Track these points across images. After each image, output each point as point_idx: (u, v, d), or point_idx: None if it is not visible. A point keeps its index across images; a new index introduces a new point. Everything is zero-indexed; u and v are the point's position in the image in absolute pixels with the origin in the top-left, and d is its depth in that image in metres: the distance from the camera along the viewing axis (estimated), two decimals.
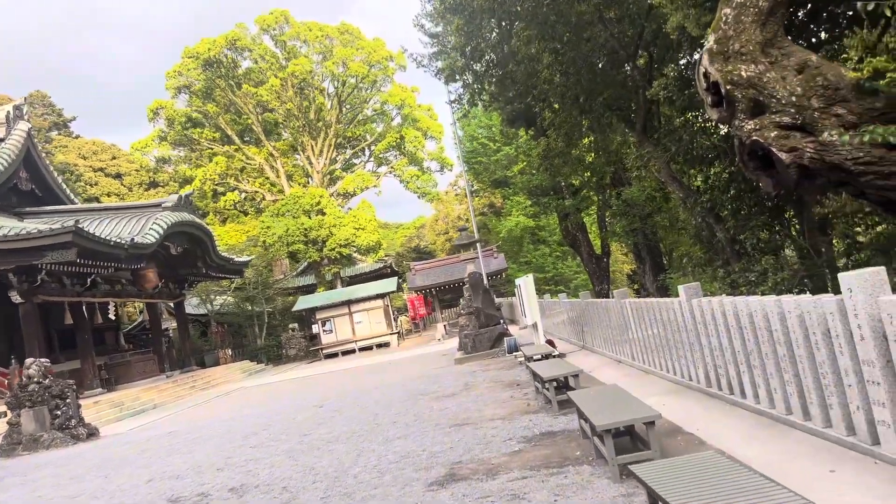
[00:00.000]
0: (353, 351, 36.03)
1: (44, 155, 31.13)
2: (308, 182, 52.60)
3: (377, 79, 51.49)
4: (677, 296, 8.41)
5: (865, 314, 4.65)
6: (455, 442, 8.36)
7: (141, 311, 40.69)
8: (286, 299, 43.31)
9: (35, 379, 16.78)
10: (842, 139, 5.11)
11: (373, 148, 56.04)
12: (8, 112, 27.84)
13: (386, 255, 51.75)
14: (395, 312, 44.03)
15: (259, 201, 53.89)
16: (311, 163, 52.33)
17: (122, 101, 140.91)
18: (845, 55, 6.94)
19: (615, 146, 18.20)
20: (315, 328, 37.38)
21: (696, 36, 8.51)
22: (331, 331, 36.60)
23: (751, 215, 11.16)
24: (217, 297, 40.85)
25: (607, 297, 19.56)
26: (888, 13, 4.66)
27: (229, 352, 38.97)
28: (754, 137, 5.81)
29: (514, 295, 27.49)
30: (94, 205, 36.52)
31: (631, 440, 6.32)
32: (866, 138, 4.88)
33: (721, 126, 11.47)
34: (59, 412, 16.95)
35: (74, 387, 17.87)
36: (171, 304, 35.60)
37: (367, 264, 48.89)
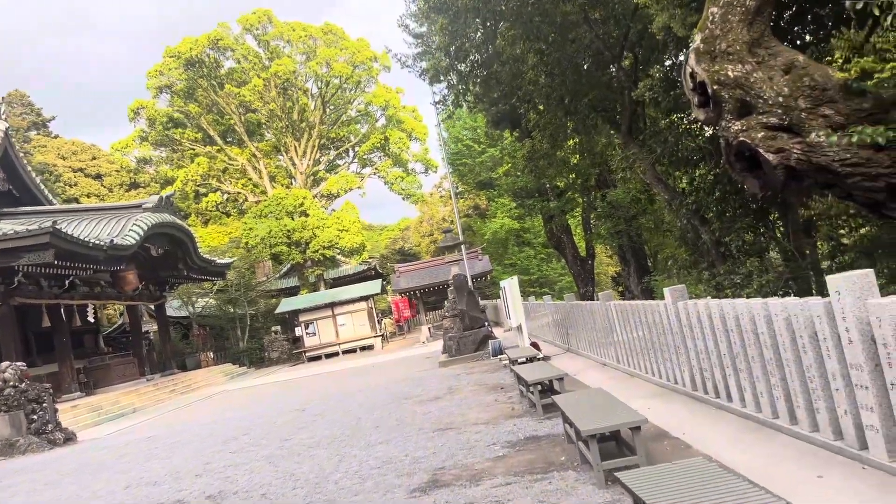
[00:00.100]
0: (336, 354, 35.80)
1: (22, 155, 30.67)
2: (291, 183, 52.27)
3: (361, 79, 51.27)
4: (662, 298, 8.34)
5: (853, 317, 4.58)
6: (438, 447, 8.22)
7: (121, 314, 40.16)
8: (269, 301, 42.98)
9: (11, 383, 16.43)
10: (829, 140, 5.05)
11: (357, 149, 55.78)
12: None
13: (370, 257, 51.50)
14: (380, 315, 43.82)
15: (242, 202, 53.45)
16: (294, 164, 52.00)
17: (103, 100, 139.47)
18: (829, 58, 6.90)
19: (600, 148, 18.16)
20: (298, 331, 37.13)
21: (682, 36, 8.45)
22: (314, 333, 36.34)
23: (736, 217, 11.13)
24: (199, 300, 40.43)
25: (592, 299, 19.52)
26: (876, 12, 4.60)
27: (211, 354, 38.56)
28: (741, 138, 5.73)
29: (498, 297, 27.42)
30: (73, 206, 36.02)
31: (616, 445, 6.23)
32: (855, 139, 4.81)
33: (706, 127, 11.46)
34: (35, 416, 16.63)
35: (51, 391, 17.54)
36: (152, 307, 35.22)
37: (350, 266, 48.65)
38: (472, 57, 15.03)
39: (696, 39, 6.07)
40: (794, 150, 5.56)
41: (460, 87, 17.42)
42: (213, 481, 8.83)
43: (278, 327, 41.12)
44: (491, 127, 24.73)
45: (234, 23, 50.20)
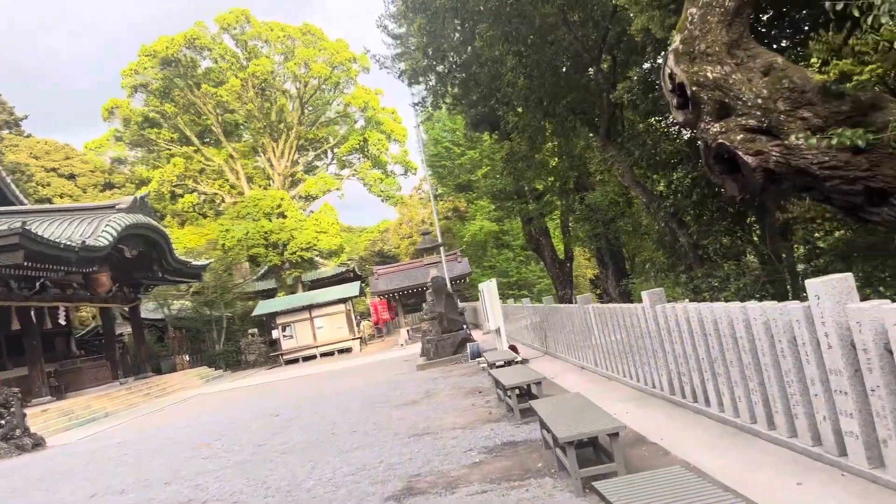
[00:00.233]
0: (314, 356, 35.48)
1: None
2: (269, 184, 51.82)
3: (340, 80, 51.00)
4: (640, 301, 8.27)
5: (833, 322, 4.52)
6: (414, 453, 8.08)
7: (94, 317, 39.48)
8: (246, 304, 42.50)
9: None
10: (808, 142, 5.00)
11: (335, 150, 55.46)
12: None
13: (349, 259, 51.21)
14: (358, 317, 43.53)
15: (219, 203, 52.89)
16: (272, 165, 51.57)
17: (77, 99, 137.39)
18: (805, 63, 6.88)
19: (579, 150, 18.13)
20: (275, 333, 36.74)
21: (660, 38, 8.40)
22: (291, 336, 35.99)
23: (713, 220, 11.12)
24: (175, 302, 39.86)
25: (570, 301, 19.50)
26: (856, 13, 4.56)
27: (186, 357, 38.02)
28: (720, 140, 5.67)
29: (478, 299, 27.33)
30: (45, 206, 35.33)
31: (594, 451, 6.13)
32: (834, 141, 4.76)
33: (684, 130, 11.45)
34: (2, 421, 16.21)
35: (19, 395, 17.12)
36: (126, 309, 34.62)
37: (329, 268, 48.32)
38: (450, 58, 14.92)
39: (676, 40, 6.01)
40: (773, 153, 5.51)
41: (439, 88, 17.31)
42: (183, 489, 8.61)
43: (255, 330, 40.66)
44: (470, 129, 24.64)
45: (212, 22, 49.83)
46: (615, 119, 13.69)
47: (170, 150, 51.18)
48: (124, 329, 38.47)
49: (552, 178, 21.61)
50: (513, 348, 16.18)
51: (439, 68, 15.50)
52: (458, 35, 13.48)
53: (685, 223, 11.72)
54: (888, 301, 4.20)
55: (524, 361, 14.47)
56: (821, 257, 10.36)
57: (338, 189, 54.00)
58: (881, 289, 8.89)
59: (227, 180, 52.40)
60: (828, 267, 9.67)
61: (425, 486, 6.57)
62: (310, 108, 53.02)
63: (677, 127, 11.88)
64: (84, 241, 23.45)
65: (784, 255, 10.86)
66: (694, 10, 5.88)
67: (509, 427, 8.57)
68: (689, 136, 11.29)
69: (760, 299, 9.66)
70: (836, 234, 10.79)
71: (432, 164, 39.43)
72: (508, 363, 12.64)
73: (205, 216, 54.88)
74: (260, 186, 51.44)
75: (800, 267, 10.99)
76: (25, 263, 20.35)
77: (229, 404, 19.65)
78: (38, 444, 16.76)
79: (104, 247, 24.33)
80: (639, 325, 8.51)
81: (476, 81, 15.26)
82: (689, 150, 11.20)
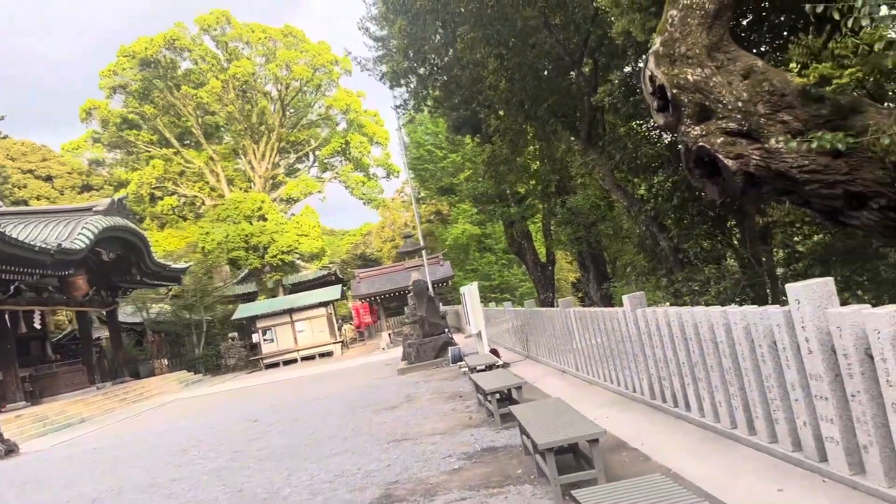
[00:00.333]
0: (294, 360, 35.19)
1: None
2: (250, 187, 51.40)
3: (322, 83, 50.72)
4: (621, 305, 8.23)
5: (813, 327, 4.49)
6: (393, 459, 7.97)
7: (71, 321, 38.89)
8: (226, 307, 42.07)
9: None
10: (789, 146, 4.97)
11: (317, 153, 55.14)
12: None
13: (330, 263, 50.95)
14: (340, 321, 43.27)
15: (199, 206, 52.38)
16: (252, 167, 51.16)
17: (55, 100, 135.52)
18: (785, 67, 6.88)
19: (560, 154, 18.12)
20: (255, 337, 36.39)
21: (641, 41, 8.38)
22: (272, 340, 35.69)
23: (694, 224, 11.12)
24: (153, 305, 39.37)
25: (552, 305, 19.48)
26: (836, 16, 4.53)
27: (165, 362, 37.56)
28: (700, 143, 5.63)
29: (460, 303, 27.24)
30: (20, 208, 34.79)
31: (574, 457, 6.06)
32: (814, 144, 4.74)
33: (665, 134, 11.45)
34: None
35: None
36: (104, 313, 34.12)
37: (310, 272, 48.02)
38: (431, 60, 14.84)
39: (656, 42, 5.97)
40: (754, 157, 5.48)
41: (420, 90, 17.23)
42: (157, 498, 8.43)
43: (235, 334, 40.29)
44: (452, 132, 24.60)
45: (192, 23, 49.32)
46: (596, 122, 13.68)
47: (149, 152, 50.61)
48: (102, 333, 37.91)
49: (534, 182, 21.60)
50: (494, 352, 16.11)
51: (420, 70, 15.42)
52: (439, 37, 13.41)
53: (666, 227, 11.72)
54: (868, 306, 4.17)
55: (505, 365, 14.40)
56: (800, 261, 10.39)
57: (319, 192, 53.75)
58: (859, 293, 8.93)
59: (208, 183, 51.91)
60: (807, 271, 9.70)
61: (403, 493, 6.46)
62: (291, 111, 52.70)
63: (658, 131, 11.88)
64: (60, 244, 23.08)
65: (764, 259, 10.88)
66: (674, 12, 5.84)
67: (489, 432, 8.48)
68: (669, 140, 11.29)
69: (741, 303, 9.67)
70: (815, 238, 10.82)
71: (414, 167, 39.29)
72: (489, 367, 12.56)
73: (185, 219, 54.33)
74: (241, 189, 51.03)
75: (779, 271, 11.02)
76: None
77: (208, 409, 19.40)
78: (12, 450, 16.44)
79: (80, 250, 23.97)
80: (619, 329, 8.47)
81: (457, 84, 15.19)
82: (669, 153, 11.20)
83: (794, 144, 5.00)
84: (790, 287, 4.67)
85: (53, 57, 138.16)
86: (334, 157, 54.25)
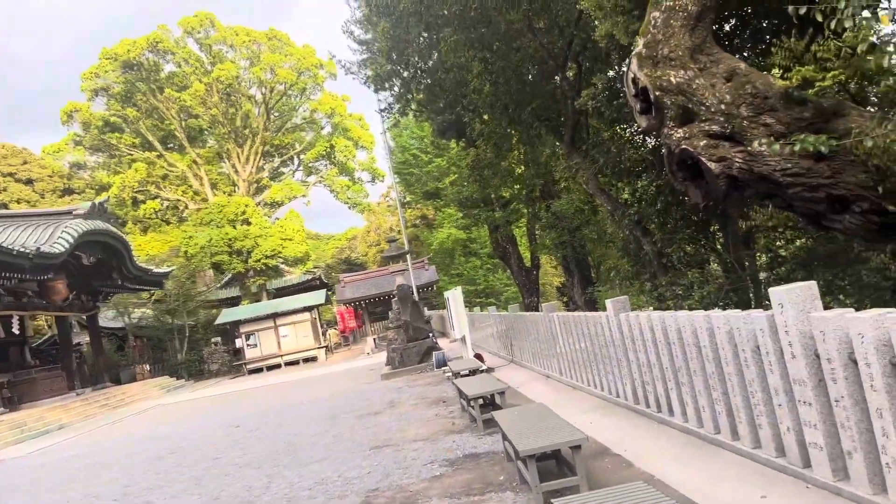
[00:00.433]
0: (278, 366, 34.91)
1: None
2: (234, 191, 51.01)
3: (307, 86, 50.49)
4: (605, 309, 8.18)
5: (797, 331, 4.44)
6: (374, 466, 7.85)
7: (51, 325, 38.36)
8: (209, 312, 41.68)
9: None
10: (772, 148, 4.92)
11: (302, 157, 54.86)
12: None
13: (315, 267, 50.63)
14: (325, 326, 43.01)
15: (182, 210, 51.92)
16: (236, 171, 50.80)
17: (35, 103, 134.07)
18: (767, 72, 6.86)
19: (545, 158, 18.09)
20: (239, 342, 36.05)
21: (625, 44, 8.34)
22: (255, 345, 35.37)
23: (677, 228, 11.10)
24: (135, 310, 38.91)
25: (537, 310, 19.41)
26: (819, 18, 4.50)
27: (147, 367, 37.12)
28: (683, 146, 5.59)
29: (445, 308, 27.13)
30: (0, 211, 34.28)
31: (557, 464, 5.98)
32: (797, 147, 4.69)
33: (649, 139, 11.43)
34: None
35: None
36: (84, 318, 33.70)
37: (294, 276, 47.70)
38: (414, 63, 14.76)
39: (639, 44, 5.92)
40: (736, 159, 5.44)
41: (404, 94, 17.14)
42: None
43: (219, 339, 39.89)
44: (437, 136, 24.52)
45: (175, 26, 48.91)
46: (580, 126, 13.65)
47: (131, 155, 50.12)
48: (83, 338, 37.44)
49: (519, 186, 21.56)
50: (478, 357, 16.04)
51: (404, 73, 15.33)
52: (422, 40, 13.34)
53: (649, 231, 11.69)
54: (852, 310, 4.12)
55: (490, 370, 14.33)
56: (783, 266, 10.39)
57: (304, 196, 53.47)
58: (841, 297, 8.93)
59: (191, 186, 51.47)
60: (790, 275, 9.69)
61: (383, 501, 6.35)
62: (276, 114, 52.41)
63: (642, 135, 11.86)
64: (39, 248, 22.76)
65: (747, 264, 10.87)
66: (657, 14, 5.80)
67: (472, 438, 8.39)
68: (653, 144, 11.27)
69: (724, 307, 9.64)
70: (798, 242, 10.83)
71: (400, 171, 39.19)
72: (473, 372, 12.48)
73: (168, 223, 53.86)
74: (224, 193, 50.64)
75: (762, 275, 11.01)
76: None
77: (189, 415, 19.16)
78: None
79: (60, 254, 23.64)
80: (603, 334, 8.42)
81: (441, 87, 15.12)
82: (653, 158, 11.17)
83: (776, 147, 4.96)
84: (773, 291, 4.62)
85: (34, 59, 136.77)
86: (319, 160, 54.00)
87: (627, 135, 12.27)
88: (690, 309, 8.70)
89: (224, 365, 37.54)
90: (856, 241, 7.97)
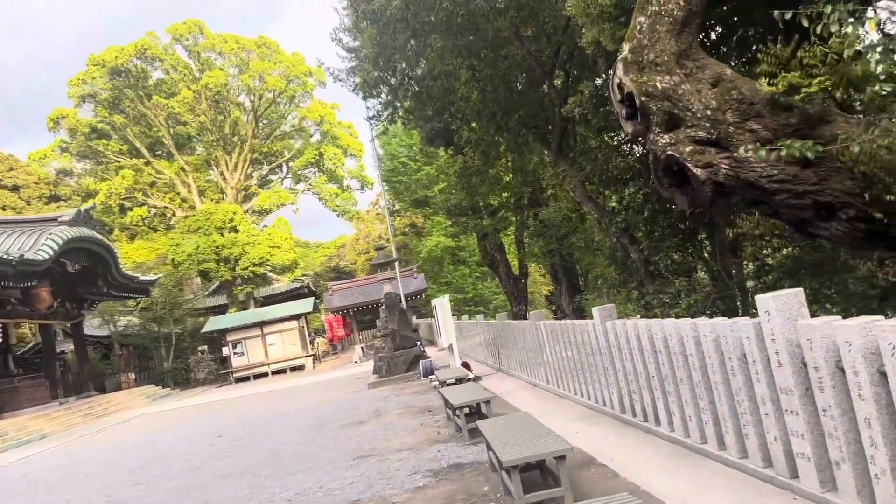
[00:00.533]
0: (265, 374, 34.61)
1: None
2: (222, 198, 50.72)
3: (296, 94, 50.38)
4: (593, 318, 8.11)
5: (783, 339, 4.37)
6: (356, 477, 7.71)
7: (35, 333, 37.89)
8: (196, 320, 41.31)
9: None
10: (757, 154, 4.87)
11: (291, 164, 54.68)
12: None
13: (303, 275, 50.30)
14: (313, 334, 42.73)
15: (170, 217, 51.58)
16: (225, 178, 50.54)
17: (21, 109, 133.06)
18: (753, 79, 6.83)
19: (532, 166, 18.05)
20: (226, 350, 35.74)
21: (611, 51, 8.29)
22: (242, 353, 35.07)
23: (665, 237, 11.06)
24: (121, 318, 38.51)
25: (525, 318, 19.34)
26: (805, 23, 4.45)
27: (132, 376, 36.73)
28: (669, 152, 5.53)
29: (433, 316, 27.01)
30: None
31: (541, 474, 5.88)
32: (783, 153, 4.64)
33: (636, 146, 11.40)
34: None
35: None
36: (69, 325, 33.31)
37: (282, 284, 47.39)
38: (402, 69, 14.68)
39: (625, 49, 5.87)
40: (723, 166, 5.38)
41: (392, 101, 17.05)
42: None
43: (205, 347, 39.55)
44: (426, 144, 24.44)
45: (164, 32, 48.71)
46: (567, 134, 13.62)
47: (119, 162, 49.78)
48: (67, 346, 36.99)
49: (507, 194, 21.51)
50: (465, 365, 15.93)
51: (392, 80, 15.24)
52: (410, 46, 13.27)
53: (637, 239, 11.65)
54: (839, 318, 4.06)
55: (476, 379, 14.22)
56: (770, 274, 10.37)
57: (292, 203, 53.29)
58: (828, 305, 8.90)
59: (179, 194, 51.16)
60: (777, 283, 9.66)
61: None
62: (264, 122, 52.24)
63: (629, 143, 11.83)
64: (22, 255, 22.48)
65: (734, 272, 10.84)
66: (642, 18, 5.75)
67: (457, 448, 8.27)
68: (641, 152, 11.24)
69: (711, 315, 9.57)
70: (784, 251, 10.82)
71: (389, 179, 39.11)
72: (459, 381, 12.37)
73: (155, 230, 53.49)
74: (212, 200, 50.34)
75: (749, 283, 10.99)
76: None
77: (173, 424, 18.92)
78: None
79: (44, 261, 23.36)
80: (589, 342, 8.34)
81: (429, 95, 15.05)
82: (640, 165, 11.13)
83: (762, 153, 4.91)
84: (760, 298, 4.56)
85: (20, 64, 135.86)
86: (308, 168, 53.83)
87: (615, 142, 12.24)
88: (677, 317, 8.63)
89: (211, 373, 37.19)
90: (842, 249, 7.94)
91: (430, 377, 17.25)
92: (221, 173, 50.79)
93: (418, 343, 20.68)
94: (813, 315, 4.47)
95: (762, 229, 10.23)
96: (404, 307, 22.52)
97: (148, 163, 50.11)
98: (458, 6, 11.15)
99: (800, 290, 4.44)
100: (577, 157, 12.74)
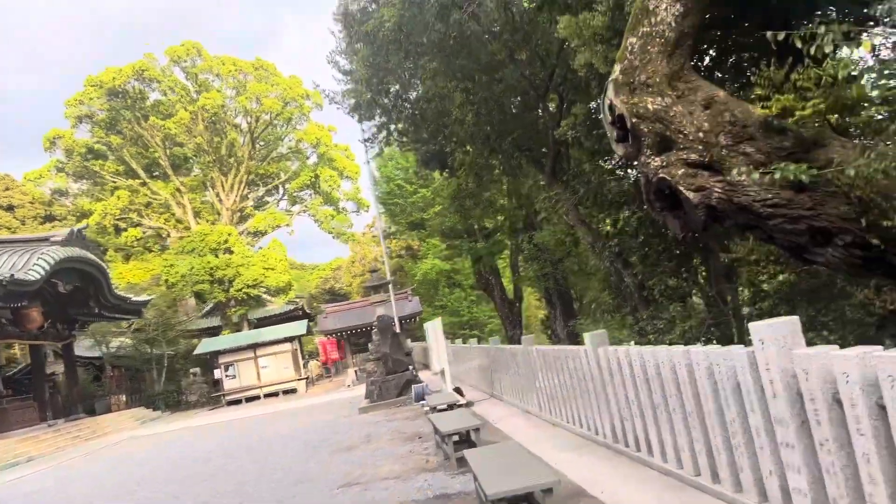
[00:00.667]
0: (257, 397, 34.22)
1: None
2: (217, 219, 50.58)
3: (293, 116, 50.48)
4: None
5: (778, 368, 4.21)
6: None
7: (25, 354, 37.48)
8: (190, 342, 40.94)
9: None
10: (751, 177, 4.75)
11: (287, 186, 54.64)
12: None
13: (297, 297, 50.00)
14: (307, 357, 42.37)
15: (165, 238, 51.40)
16: (220, 199, 50.45)
17: (19, 129, 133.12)
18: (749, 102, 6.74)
19: (527, 190, 17.98)
20: (218, 373, 35.36)
21: (604, 73, 8.23)
22: (234, 376, 34.71)
23: (659, 261, 10.94)
24: (114, 339, 38.14)
25: (519, 342, 19.13)
26: (799, 43, 4.36)
27: (123, 398, 36.27)
28: (661, 175, 5.41)
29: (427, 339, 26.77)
30: None
31: None
32: (777, 175, 4.52)
33: (631, 170, 11.32)
34: None
35: None
36: (59, 346, 32.97)
37: (276, 306, 47.07)
38: (395, 91, 14.65)
39: (616, 70, 5.78)
40: (716, 189, 5.26)
41: (387, 123, 17.01)
42: None
43: (198, 369, 39.13)
44: (421, 166, 24.41)
45: (162, 54, 48.89)
46: (561, 157, 13.55)
47: (115, 182, 49.68)
48: (58, 367, 36.58)
49: (502, 217, 21.43)
50: (458, 391, 15.70)
51: (385, 102, 15.21)
52: (403, 68, 13.24)
53: (631, 263, 11.53)
54: (836, 347, 3.90)
55: (469, 404, 14.00)
56: (765, 300, 10.23)
57: (287, 225, 53.15)
58: (825, 332, 8.75)
59: (174, 214, 51.03)
60: (773, 310, 9.52)
61: None
62: (261, 143, 52.30)
63: (623, 167, 11.76)
64: (12, 275, 22.26)
65: (729, 298, 10.70)
66: (634, 39, 5.67)
67: (445, 477, 8.04)
68: (635, 175, 11.16)
69: (706, 342, 9.43)
70: (780, 277, 10.69)
71: (385, 201, 39.07)
72: (451, 406, 12.15)
73: (150, 251, 53.28)
74: (208, 221, 50.21)
75: (745, 310, 10.84)
76: None
77: (160, 449, 18.59)
78: None
79: (34, 281, 23.14)
80: (581, 369, 8.16)
81: (423, 117, 15.01)
82: (635, 189, 11.05)
83: (756, 176, 4.79)
84: (754, 326, 4.40)
85: (17, 85, 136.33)
86: (304, 190, 53.78)
87: (609, 166, 12.17)
88: (672, 343, 8.47)
89: (202, 396, 36.78)
90: (839, 276, 7.81)
91: (421, 402, 16.99)
92: (217, 194, 50.71)
93: (411, 367, 20.41)
94: (809, 342, 4.32)
95: (758, 254, 10.10)
96: (397, 330, 22.30)
97: (144, 183, 50.04)
98: (450, 28, 11.13)
99: (795, 319, 4.29)
100: (570, 180, 12.66)
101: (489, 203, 18.23)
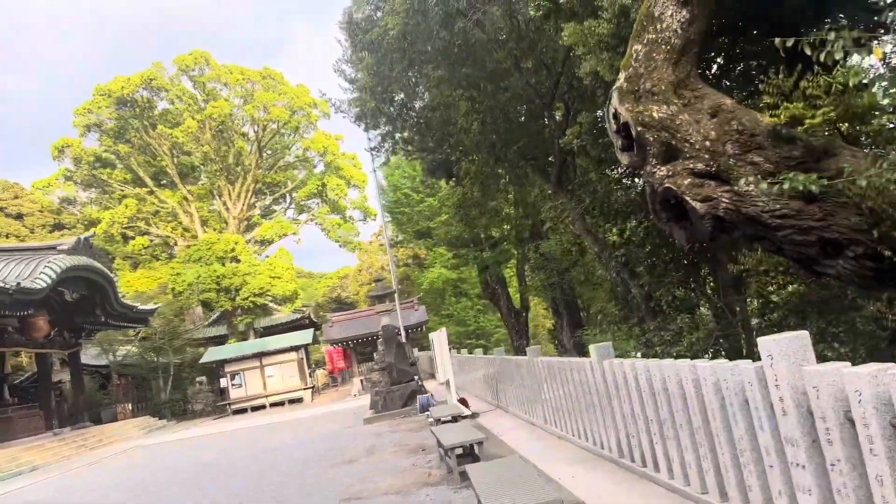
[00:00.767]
0: (263, 406, 34.11)
1: None
2: (224, 228, 50.64)
3: (300, 125, 50.59)
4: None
5: (788, 385, 4.06)
6: None
7: (31, 362, 37.51)
8: (196, 350, 40.94)
9: None
10: (759, 187, 4.62)
11: (294, 195, 54.71)
12: None
13: (304, 306, 49.94)
14: (313, 366, 42.25)
15: (172, 246, 51.49)
16: (227, 208, 50.53)
17: (29, 138, 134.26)
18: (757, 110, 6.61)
19: (533, 199, 17.86)
20: (223, 382, 35.29)
21: (609, 82, 8.12)
22: (240, 385, 34.63)
23: (666, 272, 10.78)
24: (121, 348, 38.14)
25: (525, 353, 18.97)
26: (808, 50, 4.24)
27: (129, 406, 36.24)
28: (666, 185, 5.28)
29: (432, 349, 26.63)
30: None
31: None
32: (786, 186, 4.39)
33: (638, 179, 11.18)
34: None
35: None
36: (66, 355, 32.99)
37: (283, 315, 47.02)
38: (400, 99, 14.59)
39: (620, 78, 5.67)
40: (723, 199, 5.13)
41: (392, 132, 16.95)
42: None
43: (204, 378, 39.10)
44: (427, 175, 24.37)
45: (170, 63, 49.14)
46: (567, 166, 13.44)
47: (123, 191, 49.87)
48: (64, 376, 36.60)
49: (508, 227, 21.31)
50: (462, 401, 15.55)
51: (389, 109, 15.14)
52: (408, 77, 13.18)
53: (637, 274, 11.37)
54: (848, 363, 3.76)
55: (474, 416, 13.86)
56: (775, 312, 10.06)
57: (294, 234, 53.16)
58: (835, 345, 8.58)
59: (181, 223, 51.13)
60: (782, 322, 9.35)
61: None
62: (268, 152, 52.41)
63: (630, 176, 11.63)
64: (19, 283, 22.29)
65: (738, 309, 10.54)
66: (639, 47, 5.56)
67: (447, 492, 7.89)
68: (642, 185, 11.02)
69: (714, 355, 9.26)
70: (790, 288, 10.52)
71: (392, 210, 39.04)
72: (455, 418, 12.00)
73: (157, 259, 53.40)
74: (215, 230, 50.27)
75: (754, 321, 10.67)
76: None
77: (162, 458, 18.51)
78: None
79: (41, 289, 23.16)
80: (587, 381, 8.01)
81: (428, 126, 14.93)
82: (641, 199, 10.91)
83: (764, 186, 4.66)
84: (762, 341, 4.26)
85: (26, 93, 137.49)
86: (311, 199, 53.83)
87: (615, 175, 12.04)
88: (679, 355, 8.32)
89: (208, 405, 36.73)
90: (850, 288, 7.64)
91: (426, 413, 16.84)
92: (224, 203, 50.80)
93: (416, 377, 20.27)
94: (819, 354, 4.18)
95: (766, 265, 9.94)
96: (402, 340, 22.17)
97: (151, 192, 50.20)
98: (455, 36, 11.06)
99: (805, 333, 4.14)
100: (576, 189, 12.53)
101: (495, 212, 18.12)
